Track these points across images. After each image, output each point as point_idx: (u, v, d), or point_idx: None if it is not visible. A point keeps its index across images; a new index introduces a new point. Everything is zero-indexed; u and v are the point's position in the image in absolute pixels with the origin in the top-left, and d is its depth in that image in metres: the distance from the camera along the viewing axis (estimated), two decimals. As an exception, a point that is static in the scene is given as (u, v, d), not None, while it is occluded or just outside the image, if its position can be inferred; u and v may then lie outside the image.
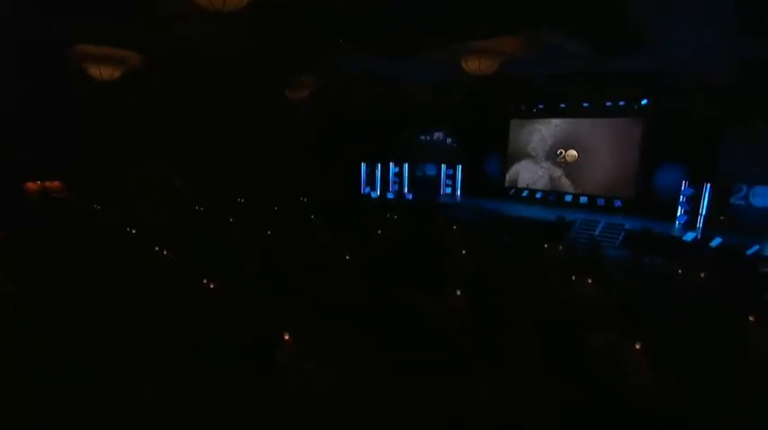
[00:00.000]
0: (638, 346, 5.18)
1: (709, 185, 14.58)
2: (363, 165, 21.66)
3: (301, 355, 5.40)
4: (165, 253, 9.62)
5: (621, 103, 16.09)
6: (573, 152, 18.32)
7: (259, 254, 10.07)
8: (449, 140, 21.61)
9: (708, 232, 13.35)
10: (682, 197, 15.22)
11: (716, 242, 12.32)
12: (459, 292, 7.02)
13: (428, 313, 6.80)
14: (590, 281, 7.75)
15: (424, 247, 10.70)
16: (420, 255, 9.93)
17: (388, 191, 21.37)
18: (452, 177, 21.08)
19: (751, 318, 6.72)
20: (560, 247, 11.25)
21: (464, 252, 9.91)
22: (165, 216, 13.67)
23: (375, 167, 21.72)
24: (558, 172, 18.84)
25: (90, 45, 11.38)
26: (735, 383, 5.43)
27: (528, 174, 19.67)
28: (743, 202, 14.45)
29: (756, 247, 11.98)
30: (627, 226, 14.51)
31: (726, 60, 11.76)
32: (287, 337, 5.59)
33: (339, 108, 20.54)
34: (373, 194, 21.03)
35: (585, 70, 13.55)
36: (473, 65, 12.75)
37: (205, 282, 7.59)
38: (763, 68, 11.78)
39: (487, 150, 20.86)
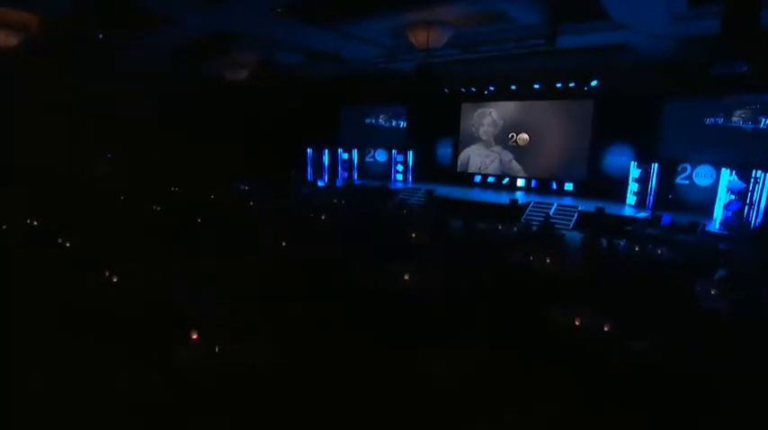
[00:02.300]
0: (606, 328, 4.59)
1: (656, 166, 14.67)
2: (309, 152, 20.51)
3: (212, 352, 4.38)
4: (67, 244, 8.21)
5: (572, 84, 15.88)
6: (524, 135, 18.05)
7: (186, 241, 8.88)
8: (399, 125, 20.87)
9: (657, 212, 13.36)
10: (631, 178, 15.27)
11: (666, 220, 12.31)
12: (406, 276, 6.28)
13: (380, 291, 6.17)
14: (547, 258, 7.22)
15: (373, 229, 9.90)
16: (369, 236, 9.12)
17: (337, 178, 20.37)
18: (404, 163, 20.33)
19: (713, 292, 6.47)
20: (515, 229, 10.80)
21: (414, 235, 9.17)
22: (77, 205, 12.00)
23: (322, 154, 20.63)
24: (508, 156, 18.55)
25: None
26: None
27: (479, 158, 19.26)
28: (687, 182, 14.66)
29: (702, 224, 12.08)
30: (580, 208, 14.36)
31: (672, 38, 11.66)
32: (195, 336, 4.56)
33: (282, 91, 19.36)
34: (320, 182, 19.93)
35: (536, 48, 13.12)
36: (421, 37, 12.01)
37: (107, 274, 6.38)
38: (707, 47, 11.79)
39: (439, 135, 20.33)
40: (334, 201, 14.57)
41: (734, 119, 13.76)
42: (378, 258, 7.30)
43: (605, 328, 4.69)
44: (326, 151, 20.62)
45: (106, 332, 5.25)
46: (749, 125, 13.44)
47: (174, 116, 18.33)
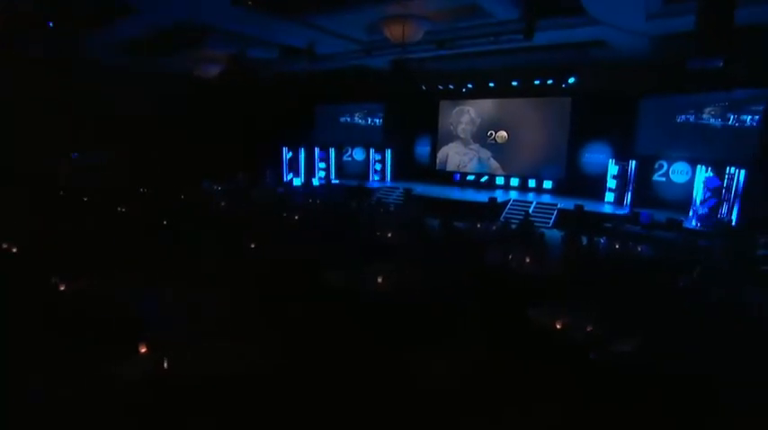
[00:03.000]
0: (592, 328, 4.33)
1: (634, 163, 14.68)
2: (285, 150, 19.96)
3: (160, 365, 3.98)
4: (13, 250, 7.59)
5: (550, 81, 15.77)
6: (503, 133, 17.91)
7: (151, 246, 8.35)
8: (376, 123, 20.51)
9: (635, 209, 13.34)
10: (609, 175, 15.26)
11: (644, 217, 12.27)
12: (380, 279, 5.94)
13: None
14: (527, 256, 6.98)
15: (350, 229, 9.53)
16: (345, 236, 8.76)
17: (314, 177, 19.88)
18: (381, 161, 19.97)
19: (693, 288, 6.34)
20: (494, 227, 10.58)
21: (390, 235, 8.84)
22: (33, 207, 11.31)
23: (298, 152, 20.11)
24: (487, 154, 18.39)
25: None
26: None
27: (457, 156, 19.06)
28: (664, 179, 14.71)
29: (679, 221, 12.08)
30: (559, 205, 14.26)
31: (647, 35, 11.62)
32: (143, 349, 4.11)
33: (256, 88, 18.80)
34: (296, 181, 19.40)
35: (513, 44, 12.93)
36: (396, 32, 11.68)
37: (53, 281, 5.87)
38: (681, 44, 11.78)
39: (417, 133, 20.06)
40: (310, 200, 14.12)
41: (704, 116, 13.81)
42: (354, 258, 6.95)
43: (591, 328, 4.45)
44: (302, 150, 20.11)
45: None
46: (719, 122, 13.49)
47: (158, 116, 17.76)
